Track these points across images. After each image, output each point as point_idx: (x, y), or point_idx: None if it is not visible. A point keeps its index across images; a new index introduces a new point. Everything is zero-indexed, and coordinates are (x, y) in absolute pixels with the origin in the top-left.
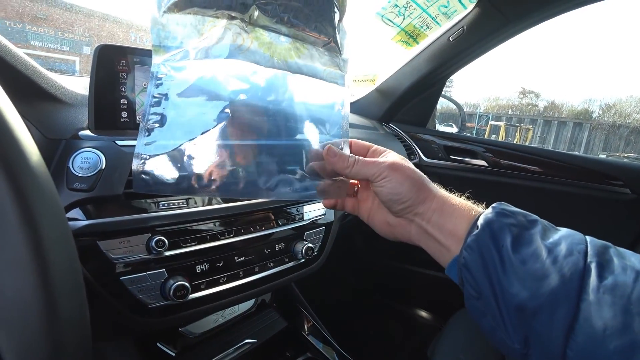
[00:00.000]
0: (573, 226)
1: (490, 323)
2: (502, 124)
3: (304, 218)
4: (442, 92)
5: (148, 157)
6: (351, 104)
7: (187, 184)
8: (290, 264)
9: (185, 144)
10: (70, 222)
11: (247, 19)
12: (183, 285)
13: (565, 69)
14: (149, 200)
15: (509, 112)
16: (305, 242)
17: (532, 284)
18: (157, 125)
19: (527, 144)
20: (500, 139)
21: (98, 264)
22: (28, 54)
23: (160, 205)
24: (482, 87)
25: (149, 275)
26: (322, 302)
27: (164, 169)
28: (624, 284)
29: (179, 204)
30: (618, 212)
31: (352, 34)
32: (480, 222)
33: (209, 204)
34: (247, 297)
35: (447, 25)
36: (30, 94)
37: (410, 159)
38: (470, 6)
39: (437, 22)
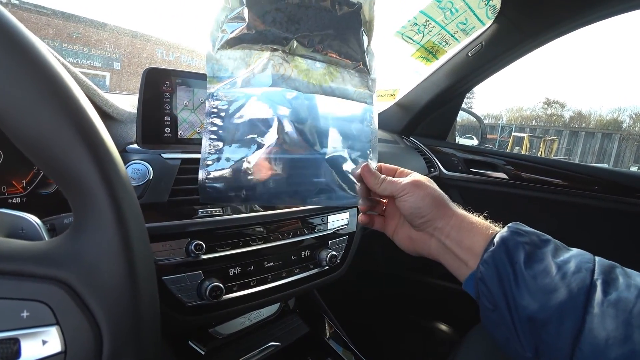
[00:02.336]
0: (596, 239)
1: (505, 334)
2: (525, 135)
3: (329, 227)
4: (462, 105)
5: (212, 172)
6: None
7: (244, 195)
8: (315, 271)
9: (241, 160)
10: None
11: (288, 50)
12: (218, 286)
13: (591, 77)
14: (189, 208)
15: (533, 123)
16: (330, 250)
17: (542, 297)
18: (217, 144)
19: (552, 155)
20: (523, 151)
21: None
22: None
23: (199, 213)
24: (504, 98)
25: (187, 276)
26: (342, 310)
27: (225, 182)
28: (626, 299)
29: (215, 211)
30: None
31: (378, 55)
32: (496, 239)
33: (242, 212)
34: (274, 300)
35: (465, 41)
36: None
37: (430, 172)
38: (489, 22)
39: (455, 39)
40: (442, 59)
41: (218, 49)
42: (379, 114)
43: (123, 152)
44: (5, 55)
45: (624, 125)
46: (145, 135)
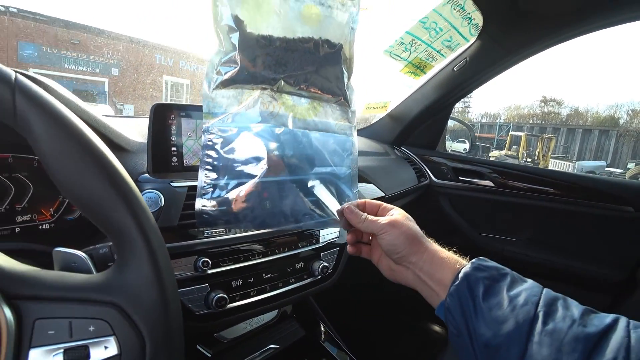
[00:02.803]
0: (577, 244)
1: (468, 356)
2: (523, 134)
3: (320, 240)
4: (454, 113)
5: (207, 200)
6: (365, 128)
7: (237, 221)
8: (308, 280)
9: (235, 189)
10: None
11: (276, 88)
12: (223, 297)
13: (587, 73)
14: (196, 229)
15: (531, 122)
16: (321, 262)
17: (495, 326)
18: (212, 175)
19: (549, 153)
20: (521, 150)
21: None
22: (63, 77)
23: (205, 233)
24: (502, 97)
25: (195, 289)
26: (337, 314)
27: (220, 210)
28: (560, 329)
29: (219, 232)
30: (623, 230)
31: (358, 90)
32: (460, 274)
33: (243, 231)
34: (273, 308)
35: (451, 56)
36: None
37: (420, 180)
38: (472, 39)
39: (441, 54)
40: (430, 72)
41: (213, 89)
42: (372, 125)
43: (136, 181)
44: (78, 159)
45: (621, 122)
46: (155, 165)
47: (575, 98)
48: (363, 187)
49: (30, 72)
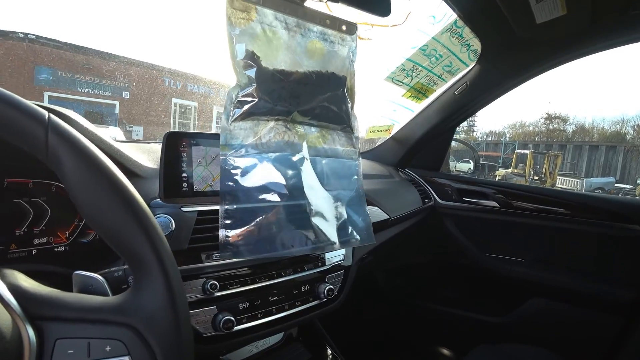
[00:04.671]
0: (586, 264)
1: None
2: (529, 152)
3: (326, 263)
4: (455, 137)
5: (230, 231)
6: (369, 151)
7: (259, 249)
8: (314, 303)
9: (255, 218)
10: None
11: (289, 119)
12: (230, 319)
13: (590, 89)
14: (205, 253)
15: (536, 139)
16: (327, 284)
17: None
18: (233, 205)
19: (556, 171)
20: (527, 167)
21: None
22: (76, 99)
23: (214, 257)
24: (507, 115)
25: (203, 311)
26: (343, 335)
27: (243, 240)
28: None
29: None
30: (633, 250)
31: (360, 118)
32: None
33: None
34: (278, 330)
35: (452, 80)
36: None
37: (425, 202)
38: (472, 64)
39: (442, 79)
40: (432, 96)
41: (232, 122)
42: (377, 148)
43: (149, 206)
44: (101, 190)
45: (628, 137)
46: (167, 191)
47: (580, 114)
48: (368, 210)
49: (45, 95)
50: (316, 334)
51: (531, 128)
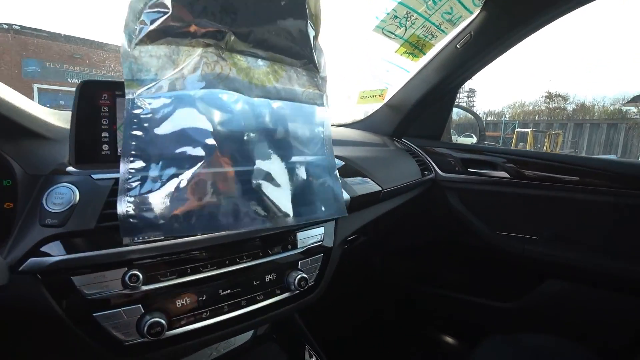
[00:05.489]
0: (610, 240)
1: None
2: (529, 130)
3: (298, 246)
4: (457, 102)
5: (135, 198)
6: (361, 121)
7: (180, 223)
8: (283, 296)
9: (173, 181)
10: (42, 259)
11: (224, 45)
12: (157, 322)
13: (591, 65)
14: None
15: (536, 118)
16: (299, 272)
17: None
18: (139, 164)
19: (557, 149)
20: (528, 147)
21: (72, 300)
22: (66, 90)
23: (136, 238)
24: (506, 95)
25: (124, 311)
26: (325, 331)
27: (154, 209)
28: None
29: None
30: None
31: (328, 52)
32: None
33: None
34: (234, 333)
35: (453, 32)
36: (13, 132)
37: (424, 174)
38: (476, 10)
39: (442, 30)
40: (430, 53)
41: (136, 44)
42: (369, 117)
43: (52, 173)
44: None
45: (629, 115)
46: (79, 155)
47: (581, 93)
48: (355, 180)
49: (35, 87)
50: (293, 331)
51: (531, 107)
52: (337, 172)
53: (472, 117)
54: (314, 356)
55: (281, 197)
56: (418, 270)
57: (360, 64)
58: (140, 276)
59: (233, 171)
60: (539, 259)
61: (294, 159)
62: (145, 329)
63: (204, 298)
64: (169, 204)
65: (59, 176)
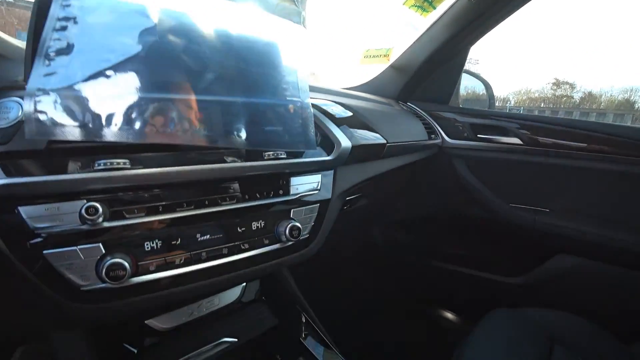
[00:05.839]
0: (629, 213)
1: None
2: None
3: (290, 192)
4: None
5: (47, 93)
6: (365, 84)
7: (99, 127)
8: (272, 247)
9: (95, 76)
10: None
11: None
12: (119, 263)
13: (601, 55)
14: (83, 158)
15: (542, 105)
16: (291, 221)
17: None
18: (61, 53)
19: None
20: None
21: (18, 234)
22: None
23: (97, 165)
24: (511, 80)
25: (80, 250)
26: (328, 300)
27: (69, 107)
28: None
29: (121, 163)
30: None
31: (330, 6)
32: None
33: (164, 165)
34: (214, 286)
35: None
36: None
37: (431, 139)
38: None
39: None
40: (441, 8)
41: None
42: (373, 80)
43: (2, 89)
44: None
45: (637, 106)
46: None
47: (588, 81)
48: (359, 131)
49: None
50: (286, 295)
51: (537, 94)
52: (309, 100)
53: (482, 84)
54: (309, 321)
55: (233, 115)
56: (420, 243)
57: (366, 18)
58: (100, 209)
59: (179, 75)
60: (550, 232)
61: (256, 76)
62: (104, 271)
63: (178, 242)
64: (87, 102)
65: (10, 92)
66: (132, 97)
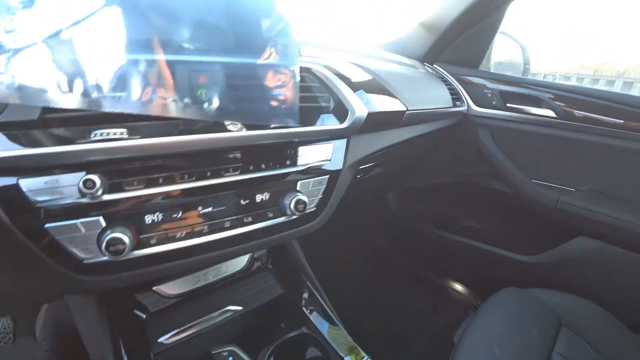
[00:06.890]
0: None
1: None
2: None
3: (298, 163)
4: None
5: (7, 51)
6: (388, 43)
7: (61, 90)
8: (277, 221)
9: (62, 33)
10: None
11: None
12: (118, 238)
13: None
14: (78, 128)
15: (580, 72)
16: (297, 194)
17: None
18: (20, 6)
19: None
20: None
21: (20, 207)
22: None
23: (93, 135)
24: (547, 42)
25: (82, 223)
26: (336, 268)
27: (30, 69)
28: None
29: (120, 133)
30: None
31: None
32: None
33: (163, 135)
34: (216, 259)
35: None
36: None
37: (456, 106)
38: None
39: None
40: None
41: None
42: (398, 38)
43: None
44: None
45: None
46: None
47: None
48: (377, 96)
49: None
50: (293, 263)
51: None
52: (297, 67)
53: (519, 46)
54: (311, 290)
55: (205, 81)
56: (435, 213)
57: None
58: (98, 182)
59: (143, 32)
60: (573, 212)
61: (237, 35)
62: (104, 245)
63: (179, 215)
64: (53, 62)
65: None
66: (95, 58)
